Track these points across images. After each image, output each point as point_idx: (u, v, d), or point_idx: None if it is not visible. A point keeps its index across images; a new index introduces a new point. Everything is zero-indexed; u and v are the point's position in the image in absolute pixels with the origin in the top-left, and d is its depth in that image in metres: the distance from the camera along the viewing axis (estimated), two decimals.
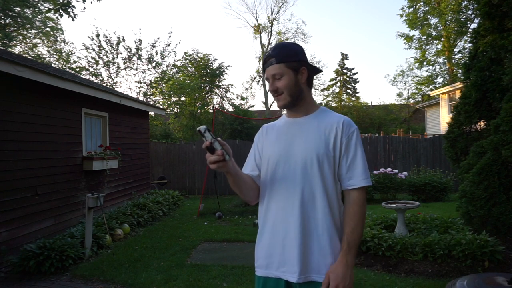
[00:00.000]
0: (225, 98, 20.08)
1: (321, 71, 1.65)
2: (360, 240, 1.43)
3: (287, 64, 1.49)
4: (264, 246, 1.53)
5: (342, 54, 32.58)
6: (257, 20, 32.90)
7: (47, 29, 20.99)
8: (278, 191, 1.51)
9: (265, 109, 31.44)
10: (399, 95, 35.05)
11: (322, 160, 1.46)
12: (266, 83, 1.60)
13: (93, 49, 16.70)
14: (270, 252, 1.51)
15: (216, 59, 19.27)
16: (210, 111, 18.21)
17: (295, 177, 1.47)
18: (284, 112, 1.73)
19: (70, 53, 19.19)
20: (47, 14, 19.11)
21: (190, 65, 19.69)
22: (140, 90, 17.46)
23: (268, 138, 1.62)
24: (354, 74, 32.77)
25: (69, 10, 8.55)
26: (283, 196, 1.49)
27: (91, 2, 21.80)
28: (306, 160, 1.46)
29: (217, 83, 19.45)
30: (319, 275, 1.43)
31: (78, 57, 19.37)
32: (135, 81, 20.18)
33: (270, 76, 1.52)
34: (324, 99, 33.45)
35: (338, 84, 33.01)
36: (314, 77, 1.73)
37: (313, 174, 1.46)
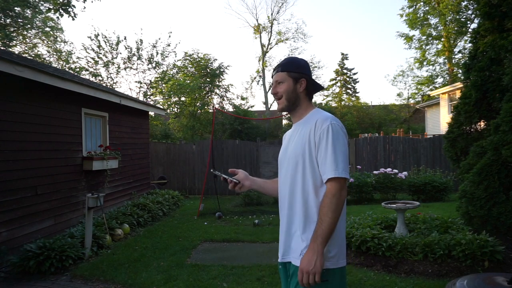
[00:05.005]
0: (225, 98, 20.09)
1: (322, 88, 1.89)
2: (330, 230, 1.53)
3: (289, 73, 1.76)
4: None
5: (342, 54, 32.54)
6: (257, 20, 32.84)
7: (47, 29, 21.00)
8: (280, 188, 1.81)
9: (265, 109, 31.43)
10: (399, 95, 35.14)
11: (301, 162, 1.66)
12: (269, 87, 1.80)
13: (93, 49, 16.71)
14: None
15: (216, 59, 19.28)
16: (210, 111, 18.21)
17: (286, 177, 1.73)
18: (284, 113, 1.90)
19: (69, 53, 19.20)
20: (47, 14, 19.12)
21: (190, 65, 19.69)
22: (140, 90, 17.47)
23: (283, 144, 1.91)
24: (354, 74, 32.73)
25: (69, 9, 8.56)
26: (282, 193, 1.79)
27: (92, 1, 21.77)
28: (291, 164, 1.70)
29: (217, 83, 19.45)
30: (295, 258, 1.63)
31: (78, 57, 19.39)
32: (135, 81, 20.19)
33: (274, 81, 1.79)
34: (324, 99, 33.42)
35: (338, 84, 32.97)
36: (315, 76, 1.89)
37: (295, 175, 1.68)
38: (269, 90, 31.13)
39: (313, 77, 1.84)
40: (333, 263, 1.58)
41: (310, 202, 1.63)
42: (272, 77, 1.84)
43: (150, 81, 17.60)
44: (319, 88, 1.86)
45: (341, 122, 1.67)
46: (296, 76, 1.75)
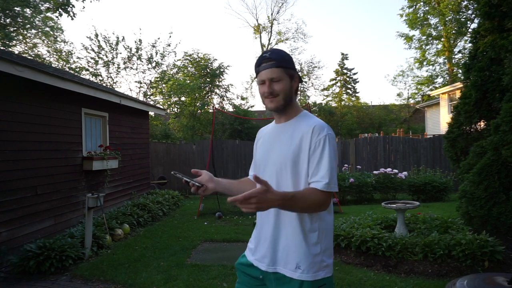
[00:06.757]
0: (225, 98, 20.08)
1: (302, 81, 1.73)
2: (293, 209, 1.44)
3: (286, 70, 1.56)
4: (254, 236, 1.76)
5: (342, 54, 32.59)
6: (257, 20, 32.90)
7: (47, 29, 20.99)
8: None
9: (265, 109, 31.35)
10: (399, 95, 35.13)
11: (291, 166, 1.53)
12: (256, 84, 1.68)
13: (93, 49, 16.71)
14: (255, 242, 1.72)
15: (216, 59, 19.28)
16: (210, 111, 18.21)
17: (271, 181, 1.53)
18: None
19: (69, 53, 19.20)
20: (47, 14, 19.12)
21: (190, 65, 19.69)
22: (140, 90, 17.48)
23: (259, 142, 1.79)
24: (354, 74, 32.77)
25: (68, 9, 8.57)
26: None
27: (91, 1, 21.82)
28: (277, 166, 1.56)
29: (217, 83, 19.45)
30: (285, 269, 1.55)
31: (78, 57, 19.40)
32: (135, 81, 20.19)
33: (267, 78, 1.56)
34: (324, 99, 33.45)
35: (338, 84, 33.00)
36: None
37: (283, 179, 1.55)
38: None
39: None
40: (329, 271, 1.57)
41: (297, 215, 1.55)
42: (258, 72, 1.59)
43: (150, 81, 17.60)
44: (301, 82, 1.71)
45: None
46: (292, 74, 1.58)
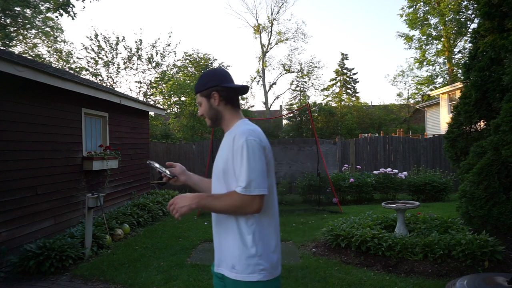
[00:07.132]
0: None
1: (243, 88, 1.78)
2: (215, 211, 1.64)
3: (201, 93, 1.76)
4: None
5: (342, 54, 32.59)
6: (257, 20, 32.93)
7: (47, 29, 21.00)
8: None
9: (265, 109, 31.46)
10: (399, 95, 35.17)
11: (222, 175, 1.66)
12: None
13: (93, 49, 16.72)
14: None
15: (216, 59, 19.32)
16: None
17: (213, 188, 1.74)
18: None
19: (69, 53, 19.20)
20: (47, 14, 19.13)
21: (190, 65, 19.71)
22: (140, 90, 17.48)
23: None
24: (354, 74, 32.77)
25: (68, 9, 8.57)
26: None
27: (91, 1, 21.83)
28: (216, 175, 1.71)
29: None
30: (226, 269, 1.64)
31: (78, 57, 19.40)
32: (135, 81, 20.20)
33: (197, 104, 1.84)
34: (324, 99, 33.50)
35: (338, 84, 33.02)
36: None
37: (219, 187, 1.67)
38: (269, 90, 31.16)
39: (233, 81, 1.78)
40: (267, 275, 1.57)
41: (238, 216, 1.61)
42: None
43: (150, 81, 17.61)
44: (239, 91, 1.78)
45: (261, 135, 1.63)
46: (206, 94, 1.73)
